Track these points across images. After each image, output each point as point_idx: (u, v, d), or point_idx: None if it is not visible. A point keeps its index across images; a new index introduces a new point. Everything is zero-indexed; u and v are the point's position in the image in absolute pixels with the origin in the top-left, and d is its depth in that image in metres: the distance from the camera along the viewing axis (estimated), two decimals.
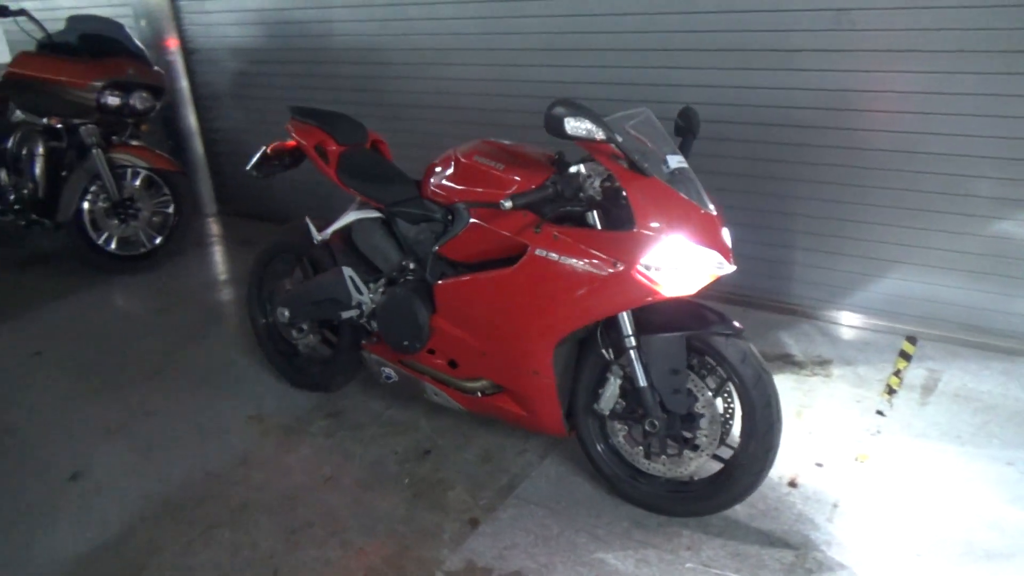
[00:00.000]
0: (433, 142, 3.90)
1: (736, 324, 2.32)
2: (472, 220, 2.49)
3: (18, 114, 4.81)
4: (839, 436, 2.86)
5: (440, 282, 2.62)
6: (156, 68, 4.95)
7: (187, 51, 5.49)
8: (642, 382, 2.34)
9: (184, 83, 5.52)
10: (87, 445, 3.09)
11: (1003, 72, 2.99)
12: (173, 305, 4.38)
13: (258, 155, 3.12)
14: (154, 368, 3.66)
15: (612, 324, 2.36)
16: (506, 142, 2.68)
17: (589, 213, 2.31)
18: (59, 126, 4.66)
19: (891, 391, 3.13)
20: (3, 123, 4.89)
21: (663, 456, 2.43)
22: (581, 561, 2.35)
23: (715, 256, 2.23)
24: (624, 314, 2.32)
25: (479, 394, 2.71)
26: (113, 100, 4.58)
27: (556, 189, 2.26)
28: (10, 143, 4.77)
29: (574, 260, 2.26)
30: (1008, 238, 3.19)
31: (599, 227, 2.31)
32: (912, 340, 3.48)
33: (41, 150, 4.68)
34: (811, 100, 3.41)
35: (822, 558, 2.31)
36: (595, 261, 2.23)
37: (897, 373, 3.24)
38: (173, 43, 5.42)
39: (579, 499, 2.62)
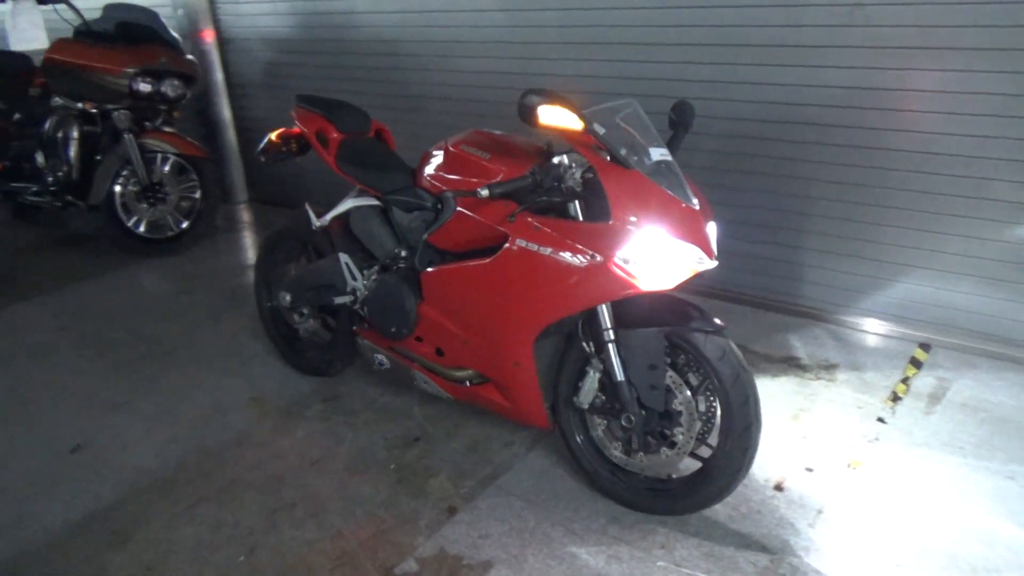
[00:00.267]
0: (452, 133, 3.90)
1: (717, 321, 2.28)
2: (458, 209, 2.49)
3: (56, 99, 4.98)
4: (834, 441, 2.79)
5: (427, 270, 2.63)
6: (189, 57, 5.08)
7: (222, 41, 5.61)
8: (619, 376, 2.31)
9: (219, 73, 5.64)
10: (93, 419, 3.18)
11: None
12: (194, 288, 4.48)
13: (264, 141, 3.17)
14: (167, 348, 3.75)
15: (593, 317, 2.34)
16: (498, 132, 2.67)
17: (571, 204, 2.29)
18: (93, 111, 4.81)
19: (896, 398, 3.03)
20: (43, 107, 5.08)
21: (641, 453, 2.40)
22: (553, 554, 2.34)
23: (695, 251, 2.19)
24: (603, 307, 2.30)
25: (467, 383, 2.71)
26: (145, 87, 4.70)
27: (535, 179, 2.25)
28: (47, 126, 4.93)
29: (552, 251, 2.25)
30: None
31: (580, 218, 2.29)
32: (925, 347, 3.37)
33: (76, 134, 4.83)
34: (825, 97, 3.32)
35: (798, 563, 2.25)
36: (572, 253, 2.21)
37: (905, 380, 3.15)
38: (209, 34, 5.54)
39: (559, 493, 2.61)
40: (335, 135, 3.01)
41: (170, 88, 4.84)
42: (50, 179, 4.95)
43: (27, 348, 3.85)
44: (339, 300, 2.96)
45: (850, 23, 3.17)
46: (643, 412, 2.34)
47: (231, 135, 5.80)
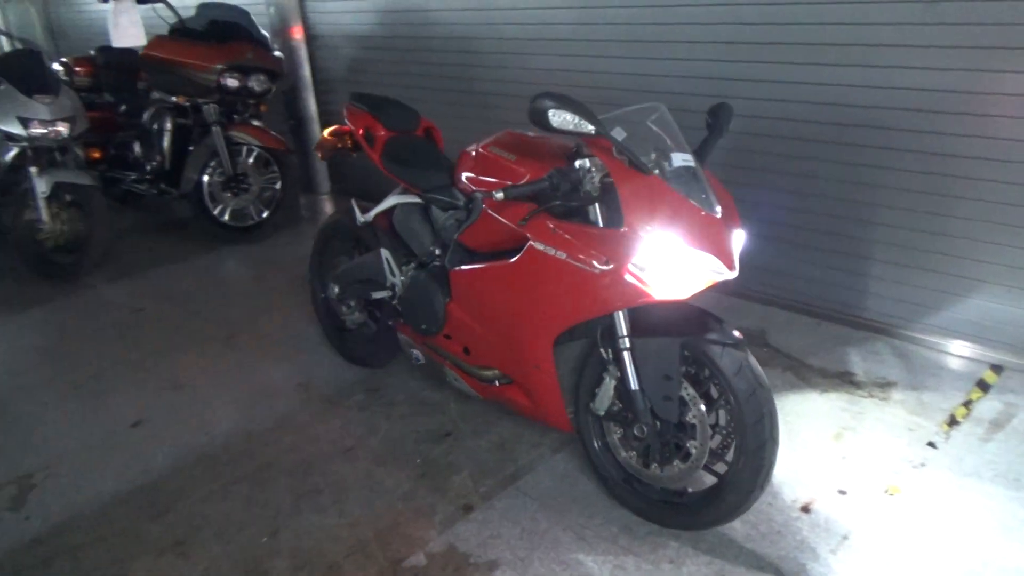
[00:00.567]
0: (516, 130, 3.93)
1: (736, 334, 2.21)
2: (485, 210, 2.50)
3: (155, 93, 5.30)
4: (875, 464, 2.65)
5: (455, 269, 2.66)
6: (276, 53, 5.30)
7: (309, 38, 5.81)
8: (634, 385, 2.27)
9: (306, 69, 5.85)
10: (155, 397, 3.39)
11: None
12: (266, 275, 4.69)
13: (320, 138, 3.28)
14: (231, 332, 3.94)
15: (611, 324, 2.31)
16: (531, 133, 2.66)
17: (591, 208, 2.26)
18: (186, 104, 5.10)
19: (953, 422, 2.84)
20: (146, 100, 5.42)
21: (655, 464, 2.35)
22: (559, 559, 2.33)
23: (712, 261, 2.12)
24: (620, 314, 2.26)
25: (496, 383, 2.72)
26: (232, 82, 4.94)
27: (553, 183, 2.23)
28: (144, 118, 5.26)
29: (567, 256, 2.23)
30: None
31: (600, 223, 2.26)
32: (997, 369, 3.14)
33: (169, 126, 5.14)
34: (893, 100, 3.14)
35: None
36: (586, 258, 2.19)
37: (967, 403, 2.94)
38: (298, 31, 5.75)
39: (577, 498, 2.59)
40: (382, 133, 3.08)
41: (256, 83, 5.07)
42: (147, 168, 5.28)
43: (109, 325, 4.13)
44: (377, 295, 3.04)
45: (923, 21, 2.98)
46: (657, 423, 2.29)
47: (316, 128, 6.01)
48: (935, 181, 3.15)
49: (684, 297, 2.15)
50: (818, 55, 3.28)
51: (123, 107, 5.69)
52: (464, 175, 2.70)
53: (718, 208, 2.20)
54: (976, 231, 3.11)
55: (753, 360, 2.19)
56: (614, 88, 4.05)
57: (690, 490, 2.40)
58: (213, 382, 3.48)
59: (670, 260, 2.09)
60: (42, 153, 4.57)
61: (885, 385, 3.10)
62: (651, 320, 2.28)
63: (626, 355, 2.27)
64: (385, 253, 3.01)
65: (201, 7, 5.14)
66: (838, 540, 2.33)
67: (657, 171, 2.18)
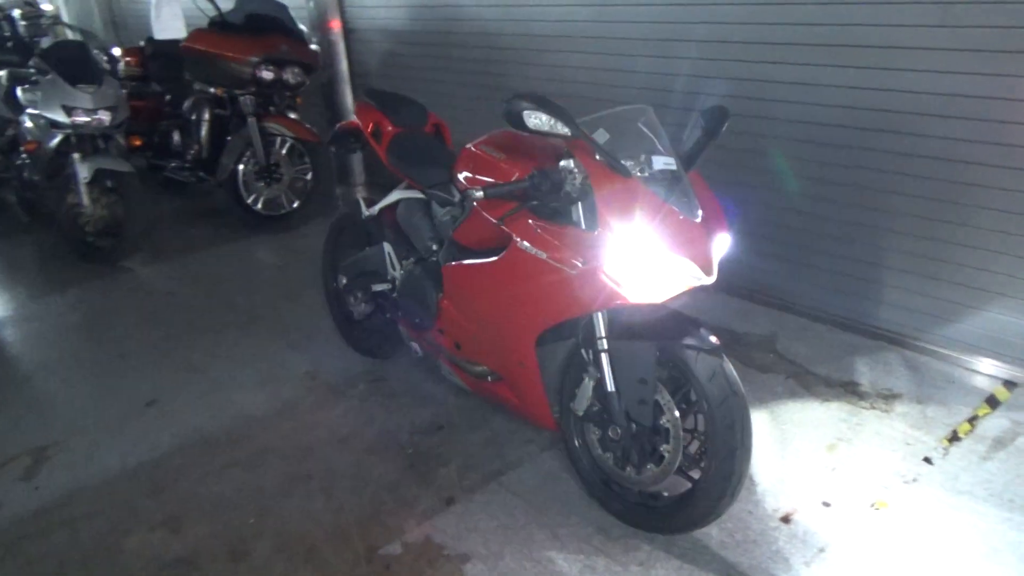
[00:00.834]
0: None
1: (712, 339, 2.19)
2: (476, 207, 2.53)
3: (196, 84, 5.47)
4: (865, 478, 2.59)
5: (447, 265, 2.69)
6: (313, 47, 5.41)
7: (347, 32, 5.91)
8: (610, 387, 2.27)
9: (343, 62, 5.94)
10: (171, 378, 3.52)
11: None
12: (292, 263, 4.81)
13: (332, 133, 3.35)
14: (250, 318, 4.06)
15: (591, 325, 2.31)
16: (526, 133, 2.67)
17: (574, 209, 2.27)
18: (223, 95, 5.24)
19: (954, 438, 2.77)
20: (187, 90, 5.59)
21: (629, 466, 2.35)
22: (530, 556, 2.35)
23: (689, 265, 2.11)
24: (598, 315, 2.26)
25: (488, 379, 2.75)
26: (267, 74, 5.07)
27: (533, 183, 2.24)
28: (185, 107, 5.44)
29: (547, 255, 2.24)
30: None
31: (583, 224, 2.26)
32: (1010, 385, 3.03)
33: (207, 116, 5.30)
34: (908, 103, 3.05)
35: None
36: (565, 258, 2.20)
37: (972, 419, 2.86)
38: (336, 24, 5.85)
39: (558, 497, 2.60)
40: (389, 128, 3.13)
41: (291, 76, 5.19)
42: (186, 156, 5.45)
43: (139, 308, 4.29)
44: (378, 287, 3.10)
45: (940, 23, 2.89)
46: (633, 425, 2.29)
47: None
48: (951, 189, 3.05)
49: (659, 300, 2.14)
50: (834, 56, 3.21)
51: (168, 97, 5.89)
52: (460, 172, 2.73)
53: (699, 212, 2.19)
54: (993, 242, 3.01)
55: (728, 366, 2.18)
56: (637, 87, 4.02)
57: (666, 494, 2.39)
58: (226, 366, 3.59)
59: (645, 263, 2.08)
60: (85, 140, 4.76)
61: (889, 397, 3.03)
62: (629, 323, 2.28)
63: (604, 357, 2.27)
64: (387, 247, 3.06)
65: (240, 1, 5.27)
66: (814, 552, 2.29)
67: (638, 174, 2.17)
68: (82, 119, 4.66)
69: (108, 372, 3.62)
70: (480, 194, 2.21)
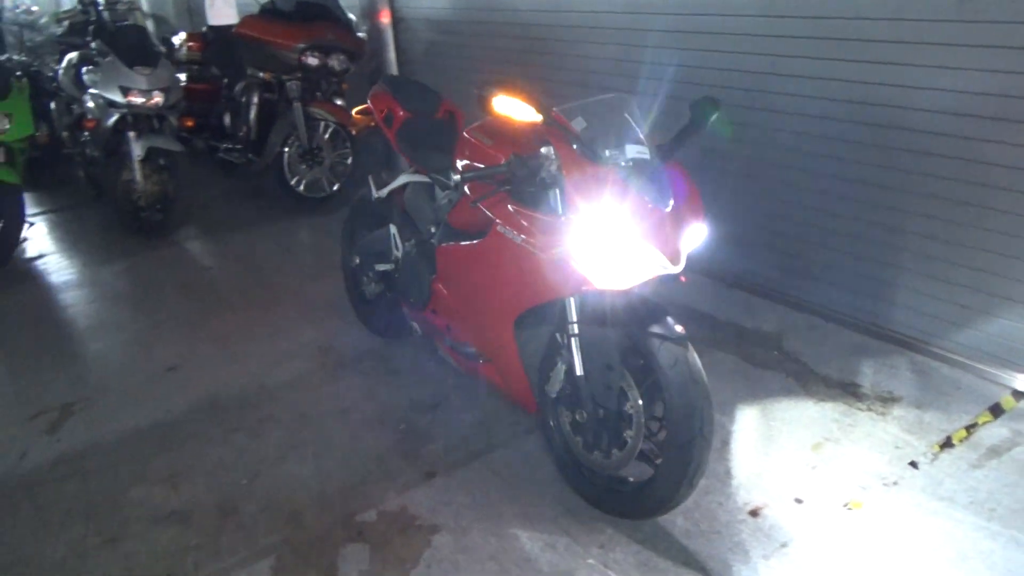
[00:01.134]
0: None
1: (678, 329, 2.21)
2: (465, 192, 2.60)
3: (249, 69, 5.69)
4: (844, 478, 2.57)
5: (440, 246, 2.77)
6: (360, 35, 5.56)
7: (396, 21, 6.04)
8: (579, 371, 2.32)
9: (392, 51, 6.08)
10: (194, 347, 3.71)
11: None
12: (325, 245, 4.96)
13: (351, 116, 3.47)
14: (276, 296, 4.23)
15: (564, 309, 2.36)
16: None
17: (552, 195, 2.31)
18: (272, 80, 5.45)
19: (947, 444, 2.70)
20: (241, 75, 5.82)
21: (597, 450, 2.40)
22: (495, 531, 2.42)
23: (655, 253, 2.14)
24: (570, 300, 2.31)
25: (480, 360, 2.83)
26: (312, 60, 5.24)
27: (510, 168, 2.29)
28: (236, 91, 5.67)
29: (523, 240, 2.30)
30: None
31: (560, 210, 2.31)
32: (1018, 395, 2.93)
33: (256, 99, 5.51)
34: (928, 101, 2.97)
35: None
36: (537, 242, 2.25)
37: (970, 427, 2.78)
38: (386, 15, 5.98)
39: (535, 478, 2.66)
40: (400, 113, 3.22)
41: (336, 62, 5.35)
42: (236, 138, 5.69)
43: (178, 281, 4.53)
44: (381, 267, 3.20)
45: (958, 18, 2.81)
46: (600, 410, 2.33)
47: None
48: (968, 190, 2.97)
49: (625, 287, 2.17)
50: (851, 51, 3.15)
51: (226, 81, 6.14)
52: (456, 157, 2.81)
53: (670, 202, 2.20)
54: (1011, 247, 2.91)
55: (692, 356, 2.20)
56: (666, 80, 4.01)
57: (632, 480, 2.42)
58: (247, 339, 3.76)
59: (610, 249, 2.12)
60: (140, 120, 5.02)
61: (888, 400, 2.97)
62: (600, 309, 2.31)
63: (574, 341, 2.32)
64: (393, 228, 3.17)
65: None
66: (776, 547, 2.29)
67: (611, 162, 2.20)
68: (137, 99, 4.92)
69: (140, 338, 3.84)
70: (457, 177, 2.28)
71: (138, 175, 5.00)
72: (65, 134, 5.91)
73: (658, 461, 2.34)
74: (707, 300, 3.83)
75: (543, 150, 2.35)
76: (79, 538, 2.51)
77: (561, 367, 2.40)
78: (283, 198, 5.60)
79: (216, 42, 6.26)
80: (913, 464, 2.61)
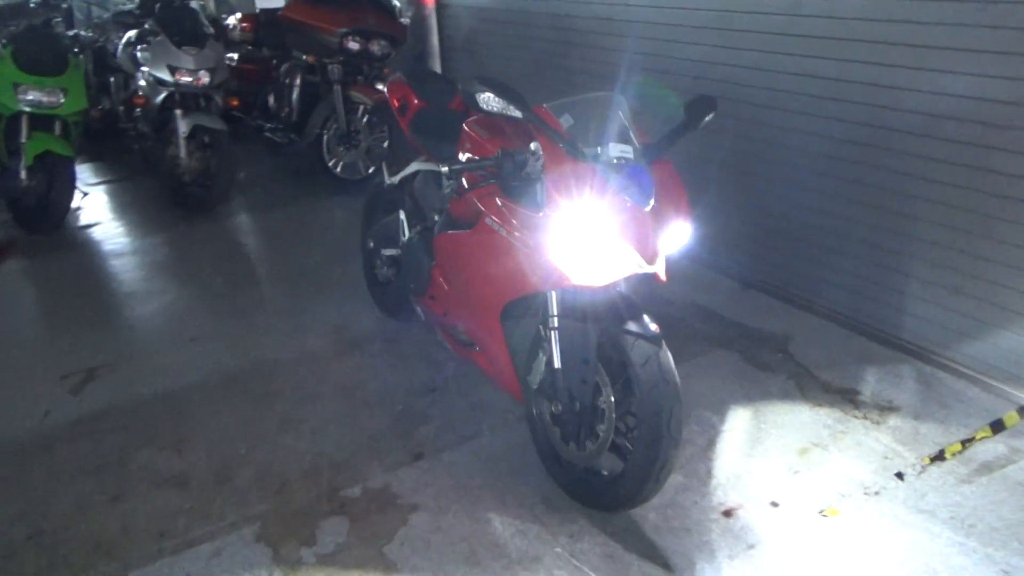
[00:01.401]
0: None
1: (653, 328, 2.24)
2: (463, 183, 2.66)
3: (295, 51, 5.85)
4: (825, 485, 2.55)
5: (438, 234, 2.84)
6: (403, 20, 5.65)
7: (440, 7, 6.11)
8: (556, 364, 2.36)
9: (435, 37, 6.16)
10: (217, 320, 3.88)
11: None
12: (353, 227, 5.03)
13: (371, 105, 3.55)
14: (300, 273, 4.37)
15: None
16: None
17: (538, 189, 2.35)
18: (315, 63, 5.58)
19: (939, 458, 2.66)
20: (286, 56, 5.98)
21: (572, 442, 2.44)
22: (471, 515, 2.49)
23: (630, 252, 2.16)
24: (551, 294, 2.35)
25: (476, 347, 2.89)
26: (354, 45, 5.35)
27: (497, 162, 2.34)
28: (280, 72, 5.83)
29: (507, 232, 2.35)
30: None
31: (539, 204, 2.34)
32: (1023, 412, 2.86)
33: (299, 82, 5.66)
34: (944, 107, 2.90)
35: None
36: (519, 236, 2.30)
37: (966, 441, 2.73)
38: (430, 1, 6.06)
39: (519, 466, 2.72)
40: (415, 102, 3.29)
41: (377, 47, 5.46)
42: (279, 118, 5.86)
43: (210, 255, 4.71)
44: (387, 252, 3.29)
45: (977, 23, 2.74)
46: (576, 403, 2.37)
47: None
48: (983, 200, 2.89)
49: (600, 284, 2.20)
50: (869, 54, 3.09)
51: (275, 62, 6.30)
52: (459, 149, 2.86)
53: (650, 201, 2.22)
54: (1021, 259, 2.83)
55: (665, 355, 2.22)
56: (687, 75, 3.99)
57: (605, 473, 2.46)
58: (267, 314, 3.91)
59: (584, 245, 2.15)
60: (187, 98, 5.22)
61: (886, 409, 2.93)
62: (580, 304, 2.35)
63: (553, 335, 2.36)
64: (402, 215, 3.24)
65: None
66: (743, 548, 2.31)
67: (593, 159, 2.23)
68: (184, 78, 5.11)
69: (169, 309, 4.03)
70: (445, 169, 2.34)
71: (183, 151, 5.20)
72: (121, 109, 6.17)
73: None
74: (720, 299, 3.81)
75: (532, 145, 2.40)
76: (85, 494, 2.67)
77: (542, 359, 2.44)
78: (321, 179, 5.74)
79: (267, 24, 6.43)
80: (899, 475, 2.58)
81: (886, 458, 2.68)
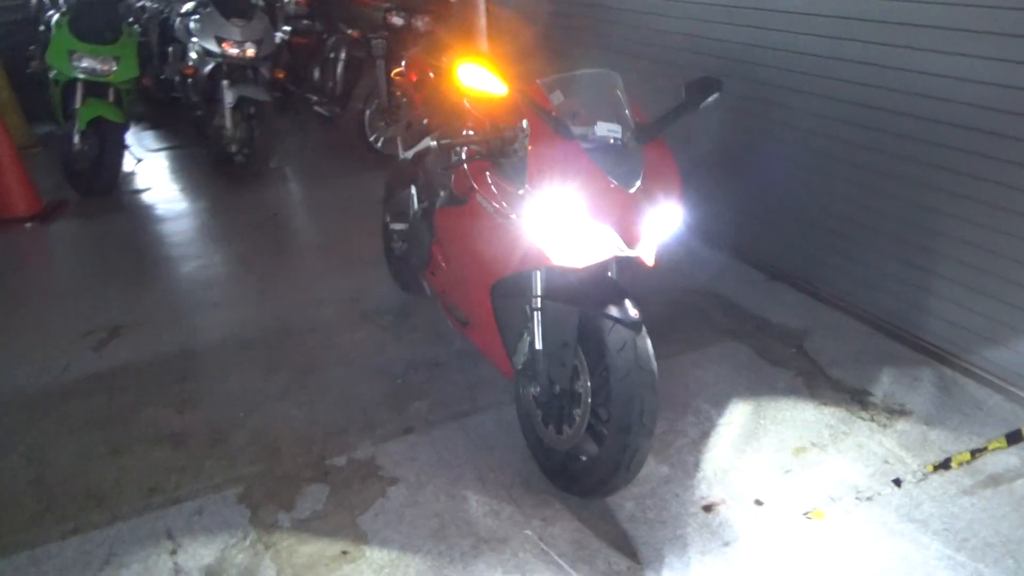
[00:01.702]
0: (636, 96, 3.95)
1: (633, 314, 2.18)
2: (463, 158, 2.64)
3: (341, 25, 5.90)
4: (816, 486, 2.46)
5: (438, 210, 2.83)
6: None
7: None
8: (538, 345, 2.33)
9: (483, 16, 6.11)
10: (239, 287, 3.97)
11: None
12: None
13: (389, 79, 3.56)
14: (328, 245, 4.44)
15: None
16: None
17: (523, 165, 2.31)
18: (360, 38, 5.62)
19: (943, 466, 2.53)
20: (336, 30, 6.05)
21: (551, 425, 2.41)
22: (448, 492, 2.49)
23: (610, 233, 2.11)
24: (536, 274, 2.31)
25: (469, 324, 2.88)
26: (397, 20, 5.38)
27: (484, 137, 2.31)
28: (328, 46, 5.89)
29: (494, 209, 2.32)
30: None
31: (524, 182, 2.30)
32: None
33: (344, 56, 5.71)
34: (980, 96, 2.72)
35: None
36: (504, 213, 2.27)
37: (977, 451, 2.58)
38: None
39: (506, 446, 2.70)
40: (432, 78, 3.28)
41: (421, 23, 5.46)
42: (324, 91, 5.93)
43: (245, 224, 4.82)
44: (396, 226, 3.29)
45: (1011, 5, 2.56)
46: (556, 386, 2.34)
47: None
48: (1008, 195, 2.71)
49: (580, 265, 2.16)
50: (899, 36, 2.93)
51: (326, 36, 6.38)
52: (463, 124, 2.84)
53: (636, 183, 2.16)
54: None
55: (642, 342, 2.16)
56: (712, 55, 3.86)
57: (584, 458, 2.42)
58: (288, 284, 3.98)
59: (562, 225, 2.11)
60: (234, 69, 5.33)
61: (896, 412, 2.80)
62: (564, 286, 2.31)
63: (536, 315, 2.33)
64: (413, 189, 3.24)
65: None
66: (717, 545, 2.24)
67: (580, 138, 2.18)
68: (232, 50, 5.22)
69: (196, 274, 4.14)
70: (433, 143, 2.33)
71: (228, 121, 5.32)
72: (177, 79, 6.34)
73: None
74: (742, 290, 3.70)
75: (524, 122, 2.35)
76: (89, 446, 2.78)
77: (527, 339, 2.41)
78: (363, 153, 5.80)
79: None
80: (896, 482, 2.47)
81: (886, 463, 2.56)
